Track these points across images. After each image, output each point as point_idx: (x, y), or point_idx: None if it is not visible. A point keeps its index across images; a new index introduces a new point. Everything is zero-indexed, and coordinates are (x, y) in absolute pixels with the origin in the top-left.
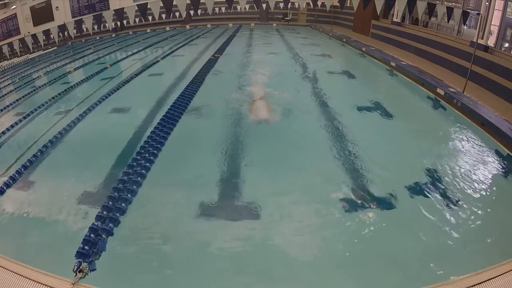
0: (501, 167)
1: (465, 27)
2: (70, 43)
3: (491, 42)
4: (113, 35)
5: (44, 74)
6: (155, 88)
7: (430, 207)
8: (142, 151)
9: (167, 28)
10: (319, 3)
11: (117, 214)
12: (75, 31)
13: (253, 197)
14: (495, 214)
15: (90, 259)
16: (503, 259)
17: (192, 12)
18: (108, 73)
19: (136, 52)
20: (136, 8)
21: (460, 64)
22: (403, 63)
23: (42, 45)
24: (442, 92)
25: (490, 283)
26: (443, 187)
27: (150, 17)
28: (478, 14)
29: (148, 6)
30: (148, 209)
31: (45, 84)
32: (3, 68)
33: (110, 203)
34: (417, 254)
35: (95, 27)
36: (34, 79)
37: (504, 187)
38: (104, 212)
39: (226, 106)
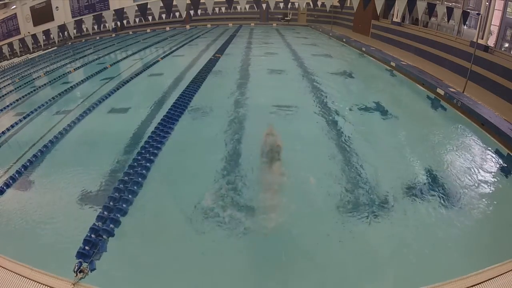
0: (501, 167)
1: (465, 27)
2: (70, 43)
3: (491, 42)
4: (113, 35)
5: (44, 74)
6: (155, 88)
7: (429, 207)
8: (143, 151)
9: (167, 28)
10: (319, 3)
11: (118, 215)
12: (75, 31)
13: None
14: (495, 214)
15: (91, 259)
16: (503, 259)
17: (192, 12)
18: (108, 73)
19: (136, 52)
20: (136, 8)
21: (460, 64)
22: (403, 63)
23: (42, 45)
24: (442, 92)
25: (490, 283)
26: (443, 187)
27: (150, 17)
28: (478, 14)
29: (148, 6)
30: (145, 209)
31: (45, 84)
32: (3, 68)
33: (111, 203)
34: (415, 254)
35: (95, 27)
36: (34, 79)
37: (504, 187)
38: (105, 213)
39: (226, 105)
